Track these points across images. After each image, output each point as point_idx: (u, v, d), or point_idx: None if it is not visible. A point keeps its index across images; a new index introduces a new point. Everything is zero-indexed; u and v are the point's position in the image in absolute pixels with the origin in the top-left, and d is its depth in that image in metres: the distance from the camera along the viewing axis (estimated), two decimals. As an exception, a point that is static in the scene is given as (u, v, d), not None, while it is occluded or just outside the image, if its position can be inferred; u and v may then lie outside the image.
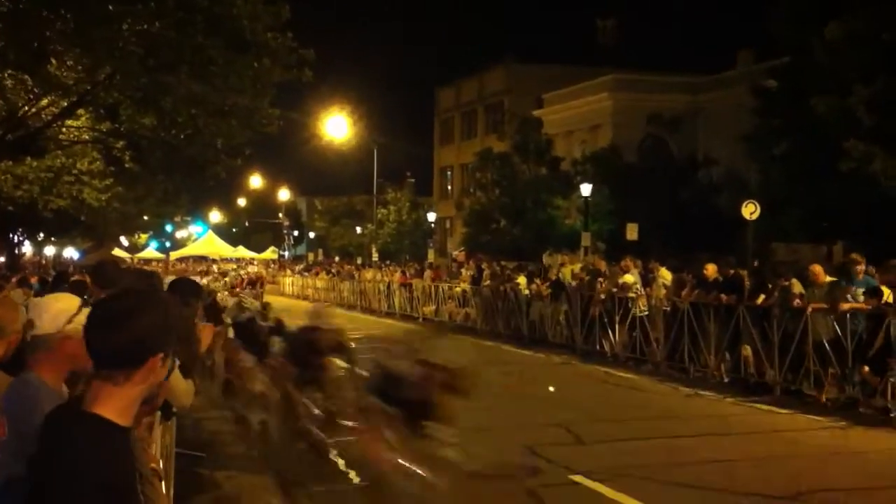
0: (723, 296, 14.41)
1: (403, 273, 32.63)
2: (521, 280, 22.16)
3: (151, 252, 77.24)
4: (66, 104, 21.13)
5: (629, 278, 17.43)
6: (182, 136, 21.75)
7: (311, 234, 77.57)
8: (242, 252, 72.79)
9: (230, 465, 8.49)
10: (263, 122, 21.77)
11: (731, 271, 15.41)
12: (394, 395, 6.32)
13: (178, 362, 4.95)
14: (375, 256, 46.86)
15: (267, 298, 22.92)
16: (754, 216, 21.58)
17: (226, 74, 19.77)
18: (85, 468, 2.15)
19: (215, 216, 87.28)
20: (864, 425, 10.96)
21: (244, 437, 9.53)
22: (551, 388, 14.73)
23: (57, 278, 12.30)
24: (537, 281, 21.77)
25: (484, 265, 27.07)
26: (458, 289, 26.16)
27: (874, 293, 12.20)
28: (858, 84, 20.59)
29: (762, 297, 13.90)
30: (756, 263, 18.38)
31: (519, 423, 10.99)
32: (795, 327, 12.72)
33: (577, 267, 21.90)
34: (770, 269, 15.58)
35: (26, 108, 21.04)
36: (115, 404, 2.23)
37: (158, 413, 4.94)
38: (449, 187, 61.87)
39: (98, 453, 2.18)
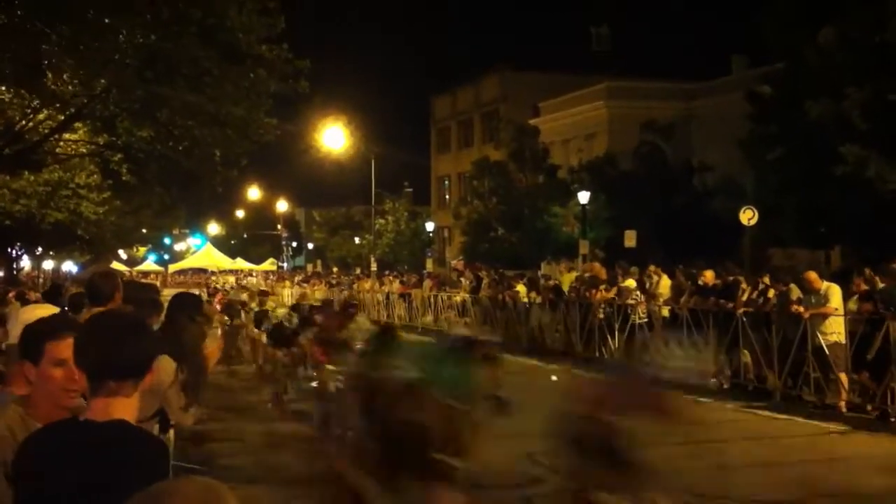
0: (721, 301, 14.45)
1: (402, 283, 32.60)
2: (521, 288, 22.15)
3: (150, 265, 77.23)
4: (63, 118, 21.15)
5: (630, 283, 17.48)
6: (179, 148, 21.77)
7: (310, 245, 77.54)
8: (241, 264, 72.71)
9: (229, 477, 8.47)
10: (260, 132, 21.81)
11: (731, 277, 15.43)
12: None
13: (180, 377, 4.96)
14: (374, 266, 46.83)
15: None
16: (752, 222, 21.59)
17: (221, 85, 19.82)
18: (144, 470, 2.35)
19: (213, 228, 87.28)
20: (864, 430, 10.95)
21: None
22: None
23: (51, 291, 12.23)
24: (540, 287, 21.74)
25: (482, 273, 27.07)
26: (457, 298, 26.15)
27: (869, 298, 12.22)
28: (852, 88, 20.62)
29: (754, 294, 13.95)
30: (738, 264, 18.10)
31: (518, 431, 10.95)
32: (794, 332, 12.72)
33: (574, 275, 21.92)
34: (770, 273, 15.57)
35: (23, 122, 21.06)
36: (128, 413, 2.47)
37: (157, 425, 4.94)
38: (446, 196, 61.85)
39: (149, 455, 2.44)
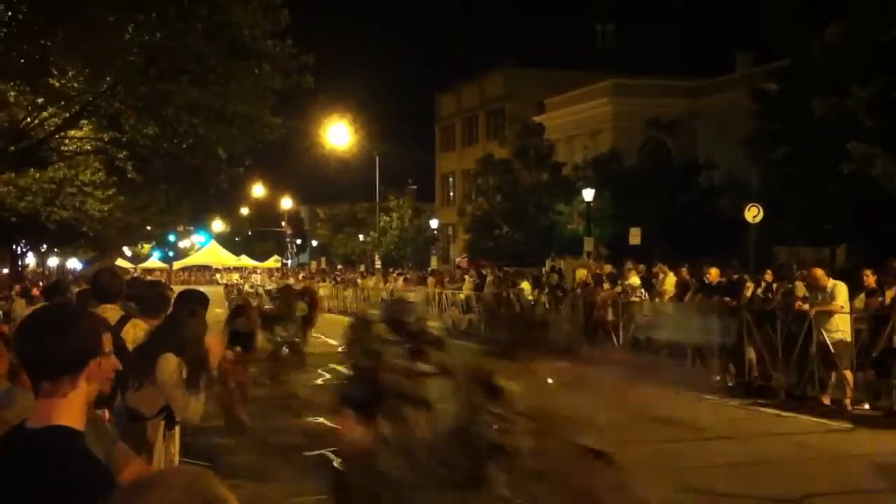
0: (726, 299, 14.42)
1: (406, 280, 32.59)
2: (525, 286, 22.15)
3: (155, 262, 77.32)
4: (68, 115, 21.17)
5: (635, 280, 17.47)
6: (184, 146, 21.78)
7: (314, 243, 77.60)
8: (245, 261, 72.83)
9: (236, 475, 8.46)
10: (265, 131, 21.79)
11: (735, 275, 15.40)
12: None
13: (184, 374, 4.95)
14: (378, 264, 46.86)
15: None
16: (757, 219, 21.54)
17: (226, 82, 19.82)
18: (78, 482, 2.22)
19: (218, 225, 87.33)
20: (869, 427, 10.93)
21: None
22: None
23: (50, 288, 12.08)
24: (544, 284, 21.73)
25: (485, 271, 27.05)
26: (461, 295, 26.15)
27: (874, 294, 12.19)
28: (857, 85, 20.57)
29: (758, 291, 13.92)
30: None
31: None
32: (799, 330, 12.69)
33: (583, 272, 21.91)
34: (773, 270, 15.55)
35: (28, 119, 21.08)
36: (70, 414, 2.34)
37: (162, 422, 4.94)
38: (451, 194, 61.88)
39: (82, 464, 2.28)
